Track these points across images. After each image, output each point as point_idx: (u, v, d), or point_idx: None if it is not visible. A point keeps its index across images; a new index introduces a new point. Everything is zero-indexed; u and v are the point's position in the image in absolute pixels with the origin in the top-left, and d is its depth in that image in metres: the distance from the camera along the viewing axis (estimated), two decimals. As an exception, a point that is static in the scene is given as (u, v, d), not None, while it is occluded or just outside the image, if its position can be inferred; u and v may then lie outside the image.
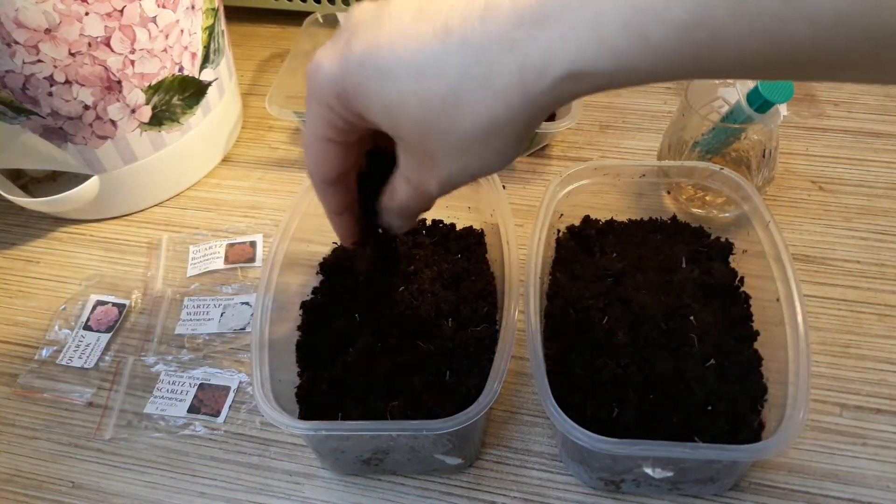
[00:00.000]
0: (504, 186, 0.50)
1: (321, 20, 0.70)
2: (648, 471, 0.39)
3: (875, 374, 0.48)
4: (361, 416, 0.42)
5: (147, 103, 0.57)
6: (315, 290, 0.51)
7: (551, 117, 0.63)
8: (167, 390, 0.50)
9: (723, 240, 0.51)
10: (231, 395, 0.50)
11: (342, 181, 0.35)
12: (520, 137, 0.28)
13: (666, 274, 0.48)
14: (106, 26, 0.51)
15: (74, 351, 0.53)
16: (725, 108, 0.55)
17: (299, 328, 0.48)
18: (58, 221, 0.63)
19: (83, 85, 0.53)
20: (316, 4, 0.77)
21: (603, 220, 0.53)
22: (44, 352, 0.54)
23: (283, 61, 0.68)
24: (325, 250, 0.53)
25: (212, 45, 0.61)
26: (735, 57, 0.23)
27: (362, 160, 0.36)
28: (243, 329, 0.54)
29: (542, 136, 0.59)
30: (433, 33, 0.26)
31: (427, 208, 0.35)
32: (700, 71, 0.24)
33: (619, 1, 0.23)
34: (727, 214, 0.53)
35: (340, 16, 0.70)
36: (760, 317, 0.46)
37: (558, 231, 0.52)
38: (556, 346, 0.45)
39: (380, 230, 0.39)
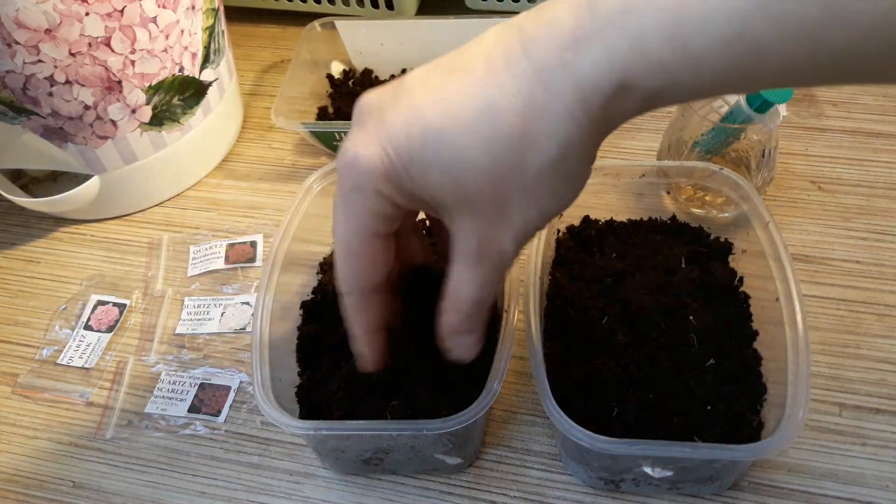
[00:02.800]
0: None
1: (319, 28, 0.70)
2: (648, 470, 0.40)
3: (874, 373, 0.48)
4: (361, 415, 0.42)
5: (147, 103, 0.57)
6: (315, 290, 0.51)
7: None
8: (168, 390, 0.50)
9: (722, 240, 0.51)
10: (231, 395, 0.50)
11: (384, 287, 0.33)
12: (588, 159, 0.28)
13: (665, 274, 0.48)
14: (106, 26, 0.51)
15: (75, 351, 0.53)
16: (725, 109, 0.56)
17: (299, 328, 0.48)
18: (58, 221, 0.64)
19: (83, 85, 0.53)
20: (316, 4, 0.77)
21: (603, 220, 0.53)
22: (44, 352, 0.54)
23: (284, 67, 0.68)
24: (325, 250, 0.53)
25: (212, 46, 0.61)
26: (778, 67, 0.23)
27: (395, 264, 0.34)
28: (244, 329, 0.54)
29: None
30: (479, 81, 0.26)
31: (496, 290, 0.32)
32: (746, 82, 0.25)
33: (660, 15, 0.23)
34: (727, 214, 0.53)
35: (338, 23, 0.69)
36: (760, 317, 0.46)
37: (558, 231, 0.52)
38: (556, 346, 0.45)
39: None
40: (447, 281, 0.32)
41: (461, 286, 0.31)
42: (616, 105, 0.26)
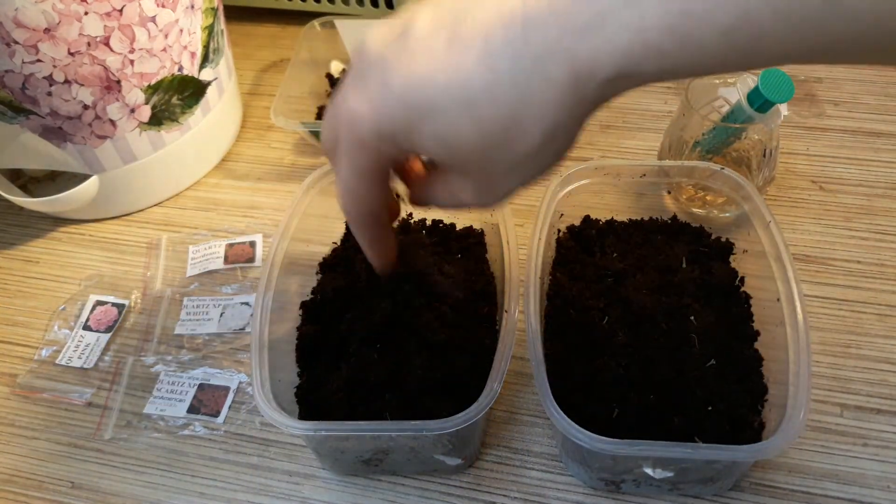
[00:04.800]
0: (504, 186, 0.50)
1: (318, 28, 0.70)
2: (649, 471, 0.39)
3: (875, 374, 0.48)
4: (361, 416, 0.42)
5: (146, 103, 0.57)
6: (315, 290, 0.51)
7: None
8: (167, 390, 0.50)
9: (723, 240, 0.51)
10: (231, 396, 0.50)
11: (383, 212, 0.36)
12: (573, 135, 0.29)
13: (666, 274, 0.48)
14: (105, 26, 0.51)
15: (74, 351, 0.53)
16: (726, 108, 0.55)
17: (299, 328, 0.48)
18: (57, 221, 0.63)
19: (82, 84, 0.53)
20: (315, 3, 0.77)
21: (603, 220, 0.53)
22: (43, 352, 0.54)
23: (283, 66, 0.68)
24: (325, 250, 0.53)
25: (211, 45, 0.61)
26: (775, 51, 0.24)
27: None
28: (243, 329, 0.54)
29: None
30: (477, 60, 0.26)
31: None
32: (740, 64, 0.25)
33: (662, 6, 0.23)
34: (728, 214, 0.53)
35: (338, 22, 0.69)
36: (761, 317, 0.46)
37: (558, 231, 0.52)
38: (556, 346, 0.45)
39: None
40: (427, 182, 0.35)
41: (438, 195, 0.35)
42: (609, 89, 0.26)
